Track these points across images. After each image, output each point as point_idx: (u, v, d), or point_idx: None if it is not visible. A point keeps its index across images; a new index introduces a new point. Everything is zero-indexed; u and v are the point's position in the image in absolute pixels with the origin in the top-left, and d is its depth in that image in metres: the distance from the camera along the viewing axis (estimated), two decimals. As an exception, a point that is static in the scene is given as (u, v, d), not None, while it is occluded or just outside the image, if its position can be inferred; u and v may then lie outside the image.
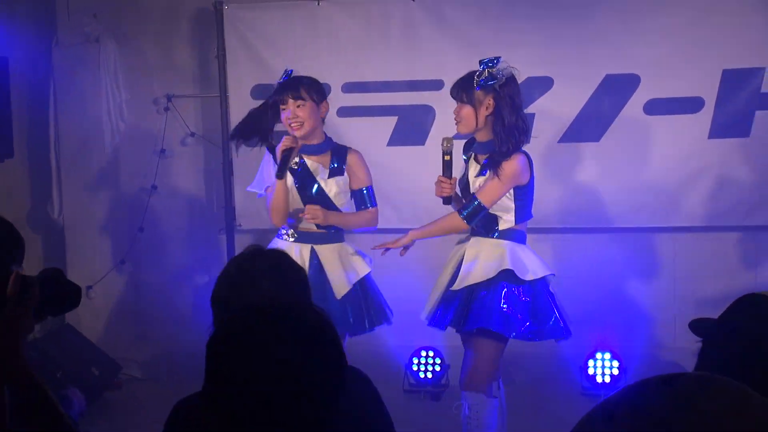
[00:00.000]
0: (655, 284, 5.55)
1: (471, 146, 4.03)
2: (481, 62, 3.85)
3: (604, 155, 5.36)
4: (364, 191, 4.16)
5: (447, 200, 3.97)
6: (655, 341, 5.43)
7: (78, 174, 6.05)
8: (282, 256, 2.42)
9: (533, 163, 3.91)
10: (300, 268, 2.40)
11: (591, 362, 5.29)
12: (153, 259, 6.09)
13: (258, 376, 1.47)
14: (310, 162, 4.11)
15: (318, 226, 4.06)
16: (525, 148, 3.88)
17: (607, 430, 0.93)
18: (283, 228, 4.16)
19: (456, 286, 3.91)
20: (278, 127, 4.21)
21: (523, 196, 3.90)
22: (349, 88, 5.51)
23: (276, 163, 4.04)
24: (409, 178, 5.39)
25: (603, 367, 5.28)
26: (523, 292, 3.87)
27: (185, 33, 6.00)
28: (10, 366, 1.79)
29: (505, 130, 3.78)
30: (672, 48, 5.20)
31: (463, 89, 3.85)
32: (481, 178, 3.90)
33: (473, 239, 3.99)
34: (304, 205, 4.08)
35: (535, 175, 3.93)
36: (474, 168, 3.97)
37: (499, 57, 3.84)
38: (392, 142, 5.55)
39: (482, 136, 3.91)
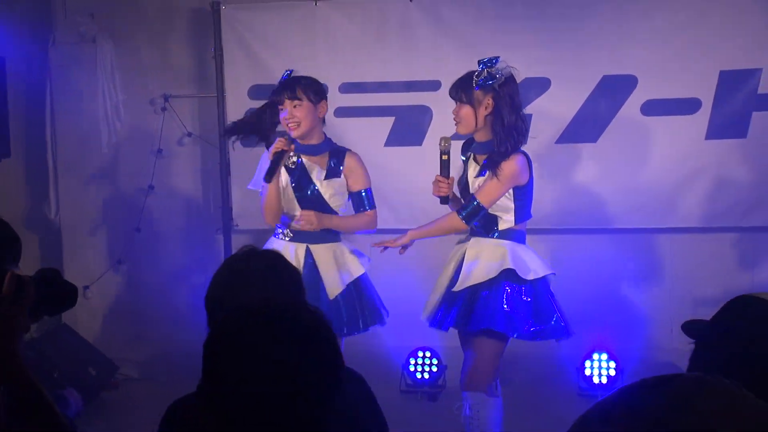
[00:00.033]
0: (652, 285, 5.56)
1: (469, 146, 4.03)
2: (480, 62, 3.84)
3: (601, 156, 5.37)
4: (363, 193, 4.14)
5: (444, 200, 3.97)
6: (652, 342, 5.43)
7: (75, 174, 6.04)
8: (277, 256, 2.41)
9: (532, 163, 3.91)
10: (294, 269, 2.39)
11: (588, 363, 5.29)
12: (150, 259, 6.09)
13: (253, 377, 1.47)
14: (307, 162, 4.10)
15: None
16: (522, 148, 3.88)
17: (604, 431, 0.93)
18: (279, 227, 4.16)
19: (457, 287, 3.89)
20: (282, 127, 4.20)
21: (523, 196, 3.90)
22: (347, 88, 5.51)
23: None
24: (406, 178, 5.39)
25: (600, 368, 5.28)
26: (525, 291, 3.87)
27: (182, 33, 6.00)
28: (6, 365, 1.79)
29: (505, 130, 3.78)
30: (669, 49, 5.20)
31: (462, 89, 3.85)
32: (481, 179, 3.89)
33: (473, 239, 3.99)
34: (299, 204, 4.08)
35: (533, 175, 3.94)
36: (473, 168, 3.97)
37: (498, 57, 3.83)
38: (389, 142, 5.55)
39: (481, 137, 3.90)
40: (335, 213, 4.12)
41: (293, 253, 4.03)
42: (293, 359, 1.49)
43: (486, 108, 3.82)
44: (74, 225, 6.08)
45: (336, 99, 5.35)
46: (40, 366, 5.08)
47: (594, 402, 0.97)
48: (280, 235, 4.15)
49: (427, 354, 5.46)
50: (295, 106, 4.00)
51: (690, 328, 1.68)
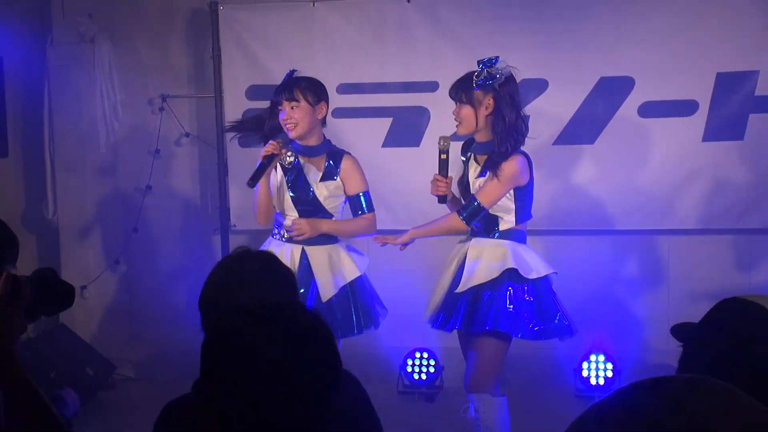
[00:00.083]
0: (649, 287, 5.56)
1: (470, 147, 4.02)
2: (479, 62, 3.84)
3: (598, 157, 5.37)
4: (360, 197, 4.12)
5: (442, 199, 3.97)
6: (650, 344, 5.43)
7: (73, 174, 6.04)
8: (271, 257, 2.40)
9: (532, 163, 3.91)
10: (289, 270, 2.38)
11: (585, 364, 5.29)
12: (147, 260, 6.09)
13: (249, 377, 1.47)
14: (304, 163, 4.10)
15: None
16: (521, 148, 3.88)
17: (600, 432, 0.93)
18: (276, 227, 4.16)
19: (460, 289, 3.88)
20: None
21: (523, 196, 3.90)
22: (344, 89, 5.51)
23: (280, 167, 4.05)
24: (403, 179, 5.40)
25: (597, 369, 5.28)
26: (528, 291, 3.87)
27: (180, 33, 6.00)
28: (2, 366, 1.79)
29: (506, 129, 3.78)
30: (666, 51, 5.20)
31: (463, 89, 3.85)
32: (482, 179, 3.89)
33: (474, 240, 3.98)
34: (294, 205, 4.07)
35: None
36: (474, 169, 3.96)
37: (498, 57, 3.83)
38: (387, 143, 5.56)
39: (481, 137, 3.90)
40: (331, 215, 4.10)
41: (288, 254, 4.02)
42: (289, 359, 1.49)
43: (486, 108, 3.81)
44: (72, 225, 6.08)
45: (334, 100, 5.31)
46: (37, 366, 5.08)
47: (591, 403, 0.98)
48: (277, 236, 4.15)
49: (425, 355, 5.46)
50: (292, 107, 3.99)
51: (679, 331, 1.69)
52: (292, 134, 4.01)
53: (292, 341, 1.51)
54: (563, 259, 5.37)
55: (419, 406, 5.32)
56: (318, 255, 4.06)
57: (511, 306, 3.82)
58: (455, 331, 3.99)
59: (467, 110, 3.84)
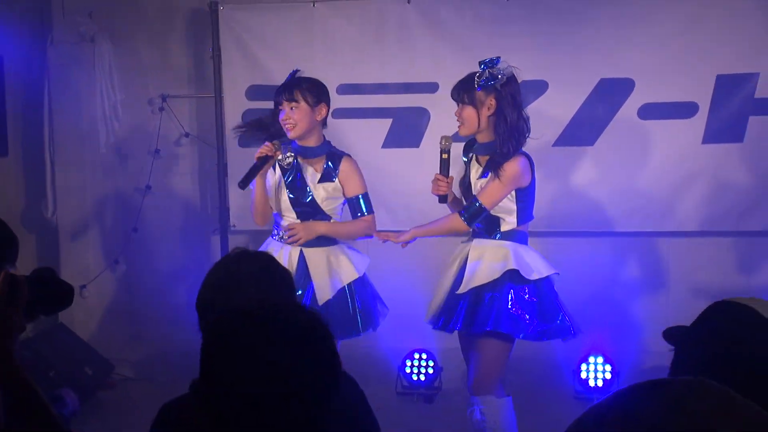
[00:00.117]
0: (649, 288, 5.56)
1: (471, 147, 4.02)
2: (481, 63, 3.83)
3: (598, 159, 5.37)
4: (359, 198, 4.10)
5: (443, 199, 3.97)
6: (648, 346, 5.42)
7: (72, 173, 6.04)
8: (268, 258, 2.40)
9: (534, 164, 3.91)
10: (286, 271, 2.37)
11: (584, 366, 5.29)
12: (147, 259, 6.09)
13: (247, 378, 1.47)
14: (303, 164, 4.09)
15: None
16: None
17: (598, 434, 0.93)
18: (275, 228, 4.16)
19: (461, 290, 3.87)
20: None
21: (525, 197, 3.89)
22: (344, 89, 5.51)
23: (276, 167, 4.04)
24: (403, 180, 5.40)
25: (596, 371, 5.28)
26: (529, 292, 3.86)
27: (180, 33, 6.00)
28: (1, 365, 1.79)
29: (508, 130, 3.77)
30: (666, 53, 5.21)
31: (464, 90, 3.84)
32: (484, 180, 3.88)
33: (475, 240, 3.97)
34: (292, 206, 4.07)
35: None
36: (476, 169, 3.95)
37: (499, 57, 3.82)
38: (387, 144, 5.56)
39: (483, 137, 3.89)
40: (329, 217, 4.09)
41: (287, 255, 4.01)
42: (287, 360, 1.49)
43: (488, 108, 3.81)
44: (71, 224, 6.08)
45: (334, 100, 5.30)
46: (36, 366, 5.07)
47: (589, 405, 0.98)
48: (276, 237, 4.14)
49: (423, 356, 5.46)
50: (292, 108, 3.99)
51: (671, 334, 1.69)
52: (290, 134, 4.00)
53: (291, 342, 1.51)
54: (563, 260, 5.35)
55: (418, 407, 5.31)
56: (316, 257, 4.05)
57: (513, 307, 3.81)
58: (455, 332, 3.99)
59: (469, 111, 3.83)
